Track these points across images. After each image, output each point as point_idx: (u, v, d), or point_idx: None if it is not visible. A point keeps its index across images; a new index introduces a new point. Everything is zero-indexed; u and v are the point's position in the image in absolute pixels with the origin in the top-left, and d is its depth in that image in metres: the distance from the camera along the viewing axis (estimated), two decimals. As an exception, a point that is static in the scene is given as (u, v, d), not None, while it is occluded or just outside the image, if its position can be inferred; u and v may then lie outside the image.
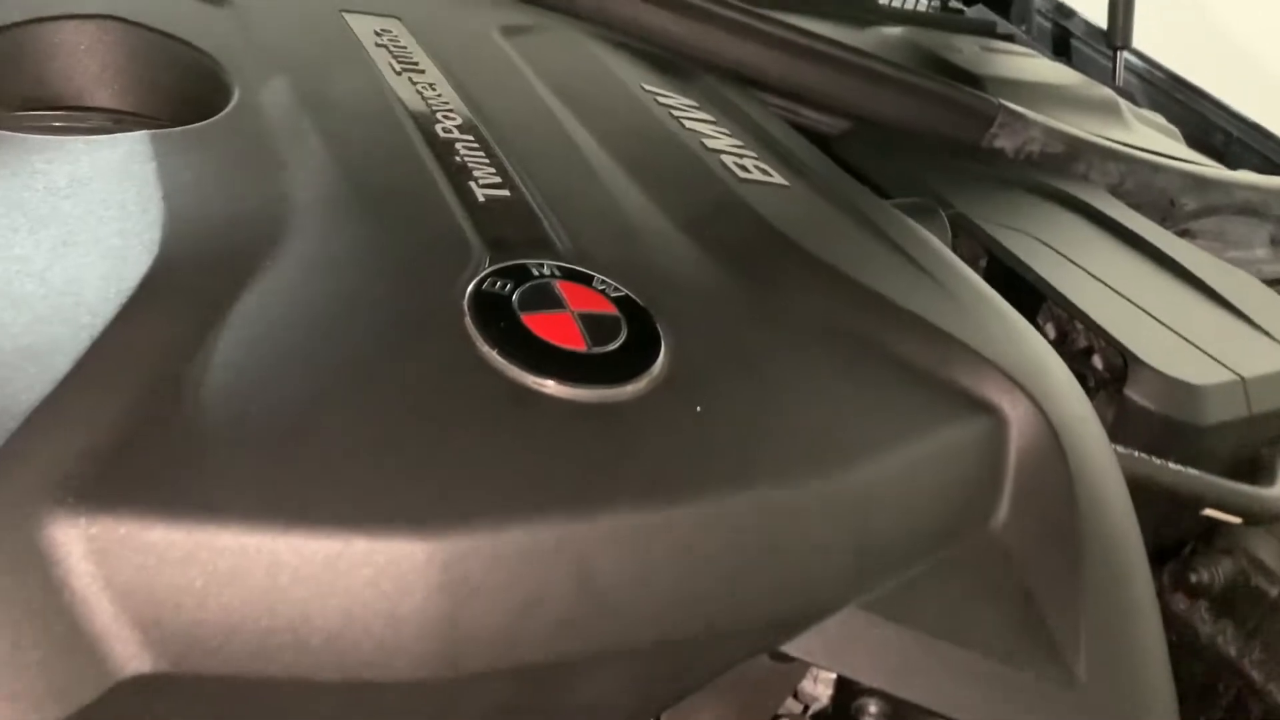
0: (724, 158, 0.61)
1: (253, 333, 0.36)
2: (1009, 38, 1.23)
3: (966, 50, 1.06)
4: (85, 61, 0.55)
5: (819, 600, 0.40)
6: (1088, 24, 1.45)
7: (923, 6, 1.23)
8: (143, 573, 0.29)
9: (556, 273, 0.44)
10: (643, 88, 0.68)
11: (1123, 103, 1.10)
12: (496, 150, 0.52)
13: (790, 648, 0.40)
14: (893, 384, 0.46)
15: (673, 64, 0.76)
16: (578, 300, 0.43)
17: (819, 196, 0.61)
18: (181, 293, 0.36)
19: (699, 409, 0.39)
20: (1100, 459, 0.48)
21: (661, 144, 0.61)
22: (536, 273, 0.44)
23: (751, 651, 0.40)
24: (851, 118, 0.85)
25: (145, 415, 0.31)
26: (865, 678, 0.41)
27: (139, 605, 0.29)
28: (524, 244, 0.46)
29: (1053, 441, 0.46)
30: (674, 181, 0.57)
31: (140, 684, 0.29)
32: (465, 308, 0.40)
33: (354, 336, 0.38)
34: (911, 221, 0.62)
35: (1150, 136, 1.07)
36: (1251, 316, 0.74)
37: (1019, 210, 0.77)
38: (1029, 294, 0.68)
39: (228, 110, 0.49)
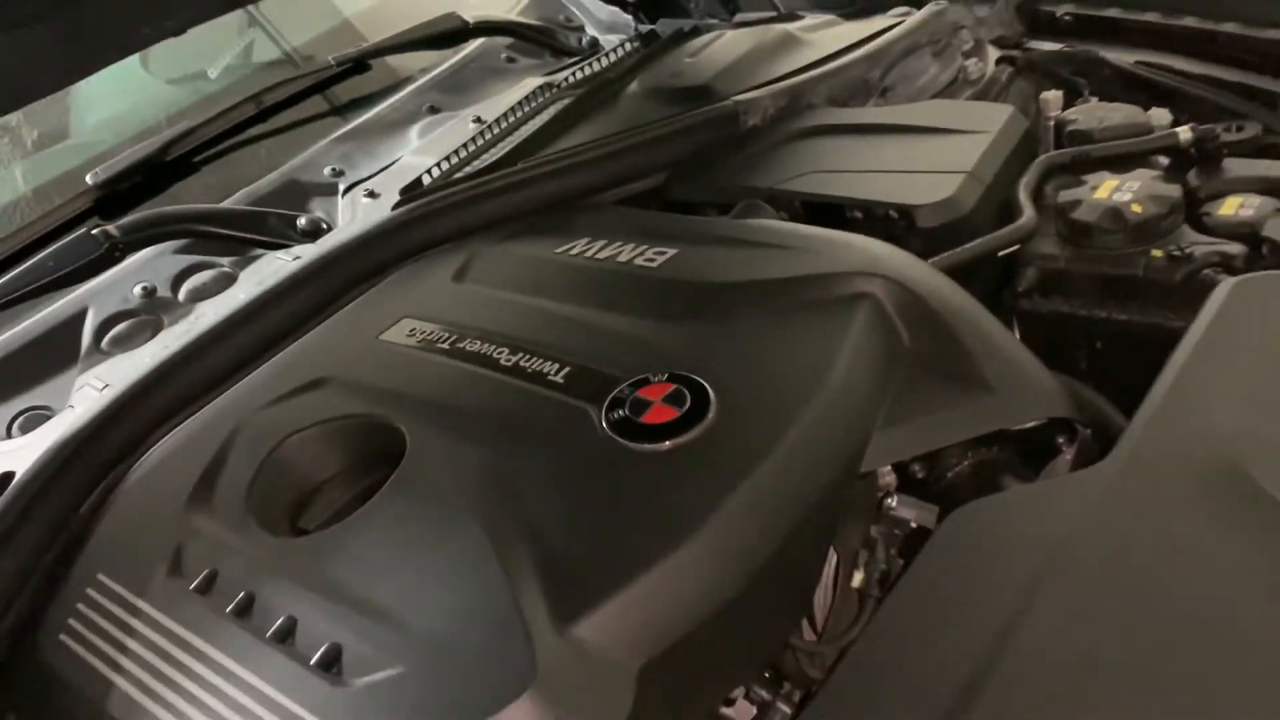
0: (637, 261, 0.96)
1: None
2: (695, 31, 1.57)
3: (685, 70, 1.39)
4: None
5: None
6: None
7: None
8: None
9: (628, 390, 0.78)
10: (556, 253, 1.02)
11: (790, 27, 1.48)
12: (541, 350, 0.86)
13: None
14: (805, 320, 0.82)
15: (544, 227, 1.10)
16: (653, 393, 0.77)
17: (699, 246, 0.96)
18: None
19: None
20: (929, 277, 0.86)
21: (609, 279, 0.96)
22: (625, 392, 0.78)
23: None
24: (659, 172, 1.20)
25: None
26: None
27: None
28: (598, 384, 0.80)
29: (904, 288, 0.83)
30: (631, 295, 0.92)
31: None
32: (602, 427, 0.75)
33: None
34: (750, 222, 0.99)
35: (828, 39, 1.43)
36: (949, 126, 1.12)
37: (794, 158, 1.14)
38: (834, 208, 1.06)
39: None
